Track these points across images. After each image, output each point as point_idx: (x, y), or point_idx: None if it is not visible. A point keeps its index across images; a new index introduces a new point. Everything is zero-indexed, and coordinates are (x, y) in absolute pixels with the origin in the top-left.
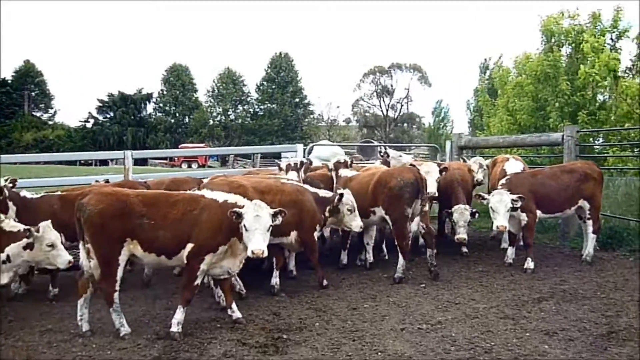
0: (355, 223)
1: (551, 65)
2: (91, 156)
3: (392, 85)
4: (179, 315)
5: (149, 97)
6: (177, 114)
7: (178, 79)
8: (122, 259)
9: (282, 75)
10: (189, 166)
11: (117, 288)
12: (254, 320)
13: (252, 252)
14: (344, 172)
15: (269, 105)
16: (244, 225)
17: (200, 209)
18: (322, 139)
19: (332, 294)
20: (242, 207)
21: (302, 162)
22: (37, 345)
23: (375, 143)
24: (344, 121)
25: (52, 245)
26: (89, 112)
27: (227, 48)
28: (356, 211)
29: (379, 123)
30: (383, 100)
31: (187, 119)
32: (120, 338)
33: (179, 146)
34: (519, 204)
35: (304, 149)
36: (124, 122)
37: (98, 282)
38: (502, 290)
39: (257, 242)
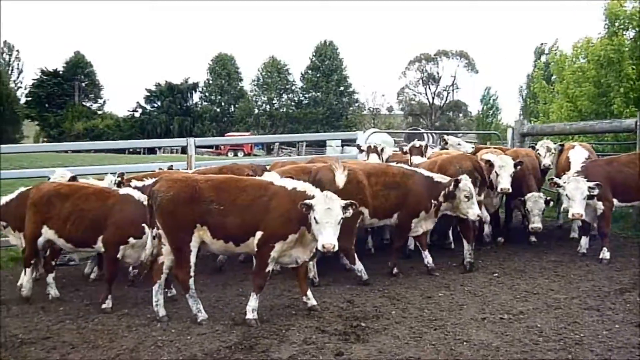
0: (473, 211)
1: (615, 50)
2: (153, 144)
3: (438, 73)
4: (253, 302)
5: (195, 86)
6: (223, 103)
7: (224, 69)
8: (194, 245)
9: (326, 64)
10: (235, 155)
11: (192, 274)
12: (329, 307)
13: (323, 247)
14: (416, 159)
15: (313, 93)
16: (315, 218)
17: (270, 196)
18: (368, 127)
19: (404, 282)
20: (312, 197)
21: (376, 146)
22: (117, 329)
23: (423, 131)
24: (386, 109)
25: None
26: (137, 102)
27: (272, 37)
28: (474, 198)
29: (425, 111)
30: (429, 88)
31: (232, 108)
32: (197, 324)
33: (225, 135)
34: (595, 192)
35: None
36: (170, 111)
37: (173, 269)
38: (580, 280)
39: (327, 236)
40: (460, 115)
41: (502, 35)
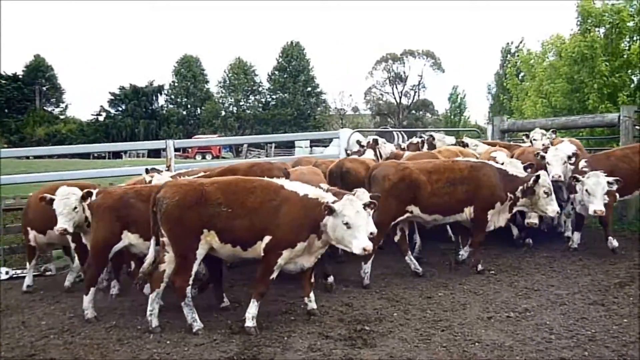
0: (552, 207)
1: (588, 46)
2: (130, 147)
3: (404, 72)
4: (253, 309)
5: (160, 89)
6: (189, 106)
7: (189, 70)
8: (200, 252)
9: (293, 65)
10: (203, 157)
11: (190, 282)
12: (328, 312)
13: (364, 250)
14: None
15: (281, 94)
16: (346, 223)
17: (281, 201)
18: (336, 128)
19: (401, 283)
20: (333, 202)
21: (375, 140)
22: (107, 343)
23: (394, 130)
24: (352, 109)
25: None
26: (101, 106)
27: (238, 38)
28: (553, 195)
29: (392, 110)
30: (396, 88)
31: (198, 110)
32: (193, 334)
33: (192, 137)
34: (615, 187)
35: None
36: (136, 114)
37: (171, 276)
38: (577, 275)
39: (363, 239)
40: (428, 114)
41: (467, 35)
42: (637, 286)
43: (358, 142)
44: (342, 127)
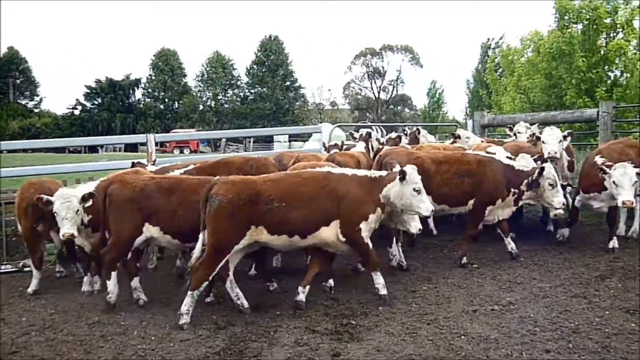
0: (558, 199)
1: (567, 42)
2: (111, 140)
3: (383, 67)
4: (379, 279)
5: (137, 82)
6: (167, 100)
7: (166, 64)
8: (237, 248)
9: (272, 59)
10: (181, 152)
11: (211, 277)
12: (314, 306)
13: (431, 212)
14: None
15: (259, 89)
16: (417, 189)
17: (335, 185)
18: (315, 122)
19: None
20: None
21: (369, 133)
22: (90, 340)
23: (371, 124)
24: (330, 104)
25: None
26: (76, 99)
27: (216, 32)
28: (558, 186)
29: (371, 105)
30: (374, 82)
31: (176, 104)
32: (178, 327)
33: (170, 132)
34: None
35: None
36: (112, 108)
37: (196, 263)
38: (559, 268)
39: (429, 203)
40: (406, 109)
41: (445, 30)
42: (617, 279)
43: (351, 134)
44: (321, 122)
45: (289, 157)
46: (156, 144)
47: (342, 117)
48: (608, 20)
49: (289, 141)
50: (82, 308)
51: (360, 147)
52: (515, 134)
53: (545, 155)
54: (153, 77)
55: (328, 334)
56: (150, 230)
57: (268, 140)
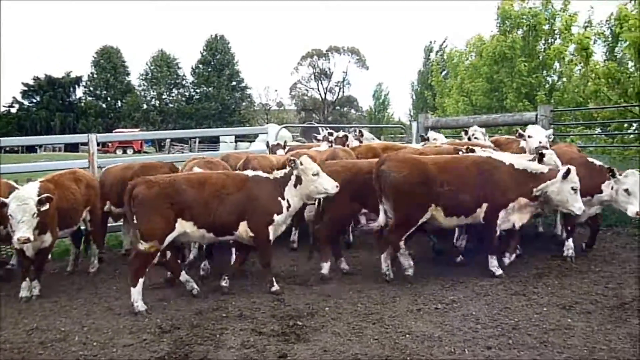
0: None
1: (509, 47)
2: (51, 140)
3: (329, 69)
4: (494, 263)
5: (78, 80)
6: (109, 98)
7: (109, 62)
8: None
9: (218, 58)
10: (124, 152)
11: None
12: (260, 308)
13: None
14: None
15: (205, 88)
16: (574, 189)
17: (492, 171)
18: (262, 123)
19: (331, 278)
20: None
21: (346, 136)
22: (29, 347)
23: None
24: (277, 105)
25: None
26: (13, 97)
27: (161, 30)
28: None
29: (317, 106)
30: (321, 84)
31: (119, 103)
32: (119, 333)
33: (113, 131)
34: None
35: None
36: (51, 107)
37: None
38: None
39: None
40: (352, 110)
41: (391, 33)
42: (554, 277)
43: (329, 134)
44: (267, 122)
45: (235, 158)
46: (98, 144)
47: (288, 118)
48: (547, 27)
49: (235, 142)
50: (20, 314)
51: (324, 146)
52: (469, 138)
53: (535, 147)
54: (95, 75)
55: (275, 335)
56: (183, 226)
57: (214, 141)
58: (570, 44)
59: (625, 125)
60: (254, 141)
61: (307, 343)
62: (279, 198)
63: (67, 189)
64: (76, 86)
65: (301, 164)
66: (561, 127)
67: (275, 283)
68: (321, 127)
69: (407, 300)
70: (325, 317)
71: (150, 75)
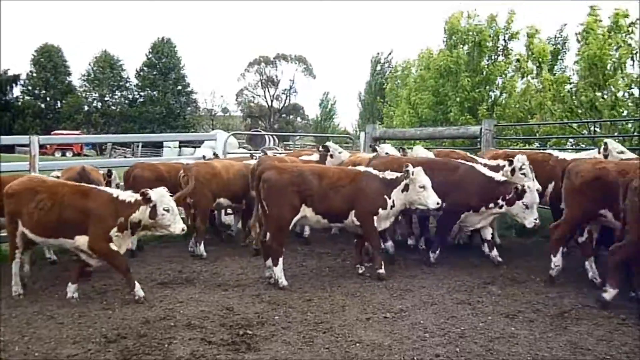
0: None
1: (454, 62)
2: None
3: (277, 76)
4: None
5: (15, 79)
6: (48, 98)
7: (49, 61)
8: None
9: (164, 62)
10: (63, 154)
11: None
12: (208, 316)
13: None
14: None
15: (149, 92)
16: None
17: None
18: (207, 129)
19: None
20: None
21: (326, 147)
22: None
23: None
24: (222, 110)
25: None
26: None
27: (105, 29)
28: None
29: (264, 113)
30: (268, 91)
31: (59, 104)
32: (62, 343)
33: (52, 133)
34: None
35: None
36: None
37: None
38: (445, 277)
39: None
40: (298, 118)
41: (339, 43)
42: (497, 286)
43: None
44: (212, 128)
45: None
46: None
47: (234, 124)
48: (490, 44)
49: (180, 147)
50: None
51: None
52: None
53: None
54: (34, 74)
55: (224, 344)
56: (305, 211)
57: (158, 146)
58: (512, 62)
59: (563, 140)
60: (199, 147)
61: (257, 352)
62: (385, 196)
63: None
64: (13, 85)
65: (412, 174)
66: (502, 141)
67: (382, 267)
68: (267, 134)
69: (356, 309)
70: (275, 326)
71: (92, 76)
